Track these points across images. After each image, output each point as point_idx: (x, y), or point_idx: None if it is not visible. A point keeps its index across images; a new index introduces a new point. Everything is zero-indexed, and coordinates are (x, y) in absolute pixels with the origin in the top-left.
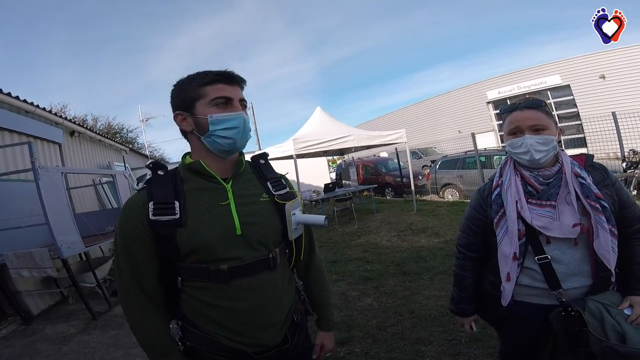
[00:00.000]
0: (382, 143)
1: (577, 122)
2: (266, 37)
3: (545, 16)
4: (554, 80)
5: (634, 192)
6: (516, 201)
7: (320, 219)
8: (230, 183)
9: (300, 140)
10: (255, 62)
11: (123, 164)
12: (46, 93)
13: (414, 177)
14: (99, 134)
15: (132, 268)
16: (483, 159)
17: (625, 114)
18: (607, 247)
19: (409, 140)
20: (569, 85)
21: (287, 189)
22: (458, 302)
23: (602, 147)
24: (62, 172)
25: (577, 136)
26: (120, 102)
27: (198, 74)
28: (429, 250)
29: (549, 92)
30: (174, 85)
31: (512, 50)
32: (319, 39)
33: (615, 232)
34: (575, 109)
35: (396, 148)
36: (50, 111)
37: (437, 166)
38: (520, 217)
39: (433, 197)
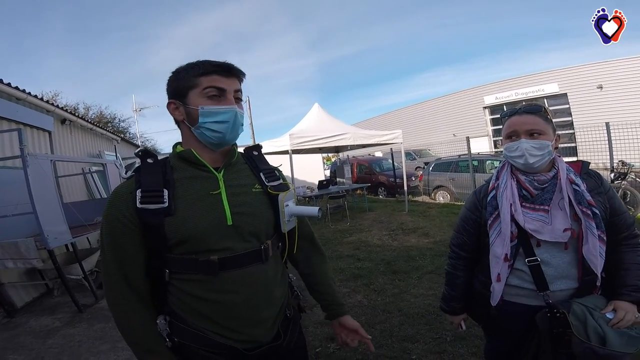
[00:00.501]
0: (378, 142)
1: (570, 131)
2: (268, 31)
3: (548, 24)
4: (552, 88)
5: None
6: (510, 204)
7: (313, 210)
8: (222, 172)
9: (297, 135)
10: (256, 55)
11: (114, 154)
12: (38, 80)
13: (407, 178)
14: (90, 122)
15: (118, 259)
16: (476, 163)
17: (618, 125)
18: (596, 252)
19: (404, 141)
20: (566, 93)
21: (281, 181)
22: (449, 300)
23: (593, 157)
24: (51, 160)
25: (568, 145)
26: (113, 91)
27: (196, 63)
28: (419, 250)
29: (545, 100)
30: (172, 73)
31: (514, 56)
32: (321, 36)
33: (604, 238)
34: (569, 118)
35: (391, 148)
36: (41, 99)
37: (431, 168)
38: (513, 219)
39: (425, 199)
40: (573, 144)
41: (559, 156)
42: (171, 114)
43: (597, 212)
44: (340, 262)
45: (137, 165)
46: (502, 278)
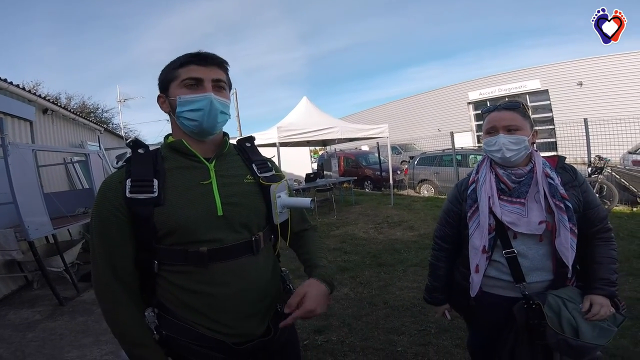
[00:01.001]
0: (365, 136)
1: (550, 127)
2: (259, 23)
3: (533, 22)
4: (534, 85)
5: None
6: (489, 197)
7: (305, 201)
8: (213, 163)
9: (285, 128)
10: (245, 47)
11: (97, 144)
12: (18, 69)
13: (392, 172)
14: (72, 112)
15: (107, 250)
16: (459, 157)
17: (596, 122)
18: (567, 244)
19: (390, 136)
20: (547, 90)
21: (273, 172)
22: (432, 291)
23: (571, 151)
24: (33, 150)
25: (548, 140)
26: (97, 82)
27: (178, 57)
28: (404, 243)
29: (527, 96)
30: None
31: (498, 52)
32: (311, 30)
33: (576, 231)
34: (550, 114)
35: (377, 142)
36: (23, 88)
37: (416, 162)
38: (491, 212)
39: (410, 192)
40: (553, 139)
41: (536, 151)
42: (160, 107)
43: (570, 205)
44: (327, 255)
45: (128, 155)
46: (480, 269)
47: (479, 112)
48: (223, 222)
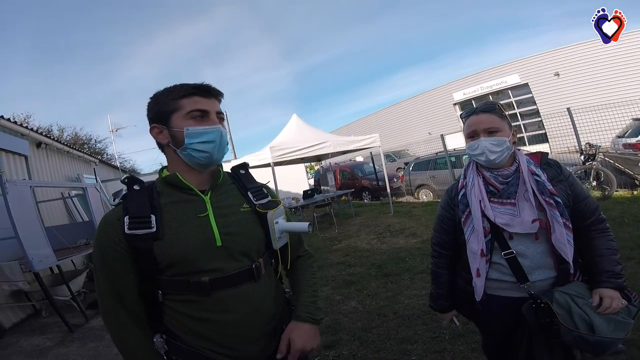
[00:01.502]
0: (357, 148)
1: (537, 119)
2: (240, 45)
3: (505, 15)
4: (514, 80)
5: (594, 183)
6: (479, 201)
7: (303, 226)
8: (208, 194)
9: (278, 148)
10: (229, 69)
11: (93, 176)
12: (7, 101)
13: (389, 180)
14: (66, 144)
15: (111, 283)
16: (453, 159)
17: (579, 110)
18: (564, 240)
19: (383, 144)
20: (527, 83)
21: (269, 198)
22: (436, 298)
23: (562, 142)
24: (30, 186)
25: (538, 132)
26: (87, 111)
27: (175, 86)
28: (408, 251)
29: (510, 91)
30: (151, 98)
31: (477, 50)
32: (292, 46)
33: (570, 225)
34: (535, 107)
35: (371, 152)
36: (15, 122)
37: (411, 168)
38: (484, 215)
39: (408, 199)
40: (542, 131)
41: (519, 150)
42: (155, 138)
43: (560, 200)
44: (331, 270)
45: (124, 192)
46: (481, 273)
47: (460, 116)
48: (223, 252)
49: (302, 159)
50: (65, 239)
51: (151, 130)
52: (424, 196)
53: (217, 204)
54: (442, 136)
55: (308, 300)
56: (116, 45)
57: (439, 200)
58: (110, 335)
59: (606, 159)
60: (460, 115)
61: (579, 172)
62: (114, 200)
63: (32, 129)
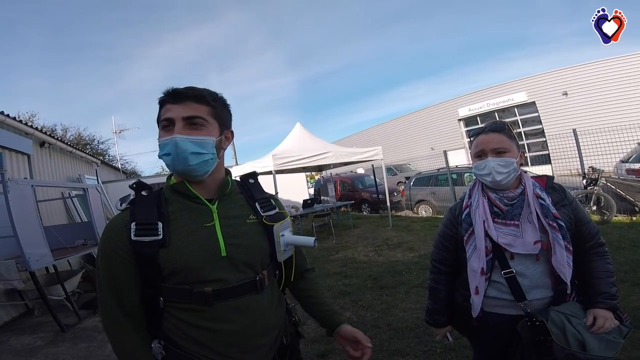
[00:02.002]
0: (360, 160)
1: (542, 139)
2: (246, 51)
3: (514, 32)
4: (520, 97)
5: (594, 208)
6: (483, 221)
7: (309, 240)
8: (215, 204)
9: (280, 156)
10: (235, 75)
11: (95, 177)
12: (13, 100)
13: (389, 194)
14: (69, 145)
15: (113, 288)
16: (454, 176)
17: (585, 132)
18: (564, 261)
19: (384, 157)
20: (534, 102)
21: (277, 210)
22: (432, 313)
23: (565, 164)
24: (32, 185)
25: (541, 153)
26: (91, 112)
27: None
28: (405, 265)
29: (516, 109)
30: None
31: (482, 66)
32: (299, 55)
33: (570, 248)
34: (540, 126)
35: (372, 165)
36: (20, 121)
37: (412, 183)
38: (487, 235)
39: (408, 213)
40: (546, 152)
41: (525, 172)
42: None
43: (563, 224)
44: (327, 280)
45: (131, 197)
46: (480, 291)
47: (471, 128)
48: (227, 263)
49: (303, 168)
50: (63, 239)
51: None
52: (423, 211)
53: (223, 214)
54: (444, 152)
55: (334, 306)
56: (123, 47)
57: (439, 216)
58: (109, 340)
59: (608, 184)
60: (469, 133)
61: (580, 196)
62: (120, 204)
63: (36, 128)
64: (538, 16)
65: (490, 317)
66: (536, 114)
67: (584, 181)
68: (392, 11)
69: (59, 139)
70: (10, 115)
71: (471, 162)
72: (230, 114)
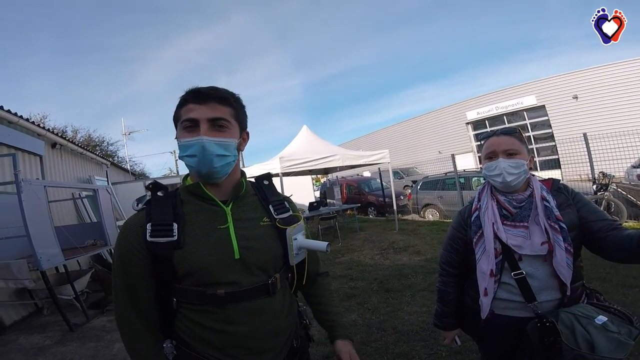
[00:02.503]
0: (366, 163)
1: (551, 144)
2: (253, 53)
3: (522, 36)
4: (530, 101)
5: None
6: (493, 223)
7: (322, 245)
8: (230, 206)
9: (287, 158)
10: (242, 77)
11: (105, 178)
12: (25, 102)
13: (395, 197)
14: (80, 146)
15: (128, 288)
16: (462, 180)
17: (596, 136)
18: (564, 263)
19: (391, 160)
20: (544, 105)
21: (290, 212)
22: (441, 316)
23: (575, 168)
24: (44, 186)
25: (551, 157)
26: (101, 113)
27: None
28: (411, 268)
29: (525, 113)
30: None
31: (492, 69)
32: (306, 57)
33: (571, 250)
34: (550, 130)
35: (379, 168)
36: (32, 122)
37: (419, 187)
38: (496, 237)
39: (414, 217)
40: (555, 156)
41: (533, 175)
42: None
43: (564, 226)
44: (333, 282)
45: (147, 198)
46: (489, 292)
47: (479, 131)
48: (240, 266)
49: (310, 170)
50: (74, 239)
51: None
52: (430, 215)
53: (237, 216)
54: (452, 156)
55: (344, 320)
56: (132, 50)
57: (446, 220)
58: (122, 340)
59: (619, 189)
60: (480, 137)
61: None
62: (137, 205)
63: (48, 130)
64: (548, 19)
65: (499, 319)
66: (546, 118)
67: (594, 186)
68: (399, 13)
69: (70, 140)
70: (24, 117)
71: (479, 166)
72: (247, 115)
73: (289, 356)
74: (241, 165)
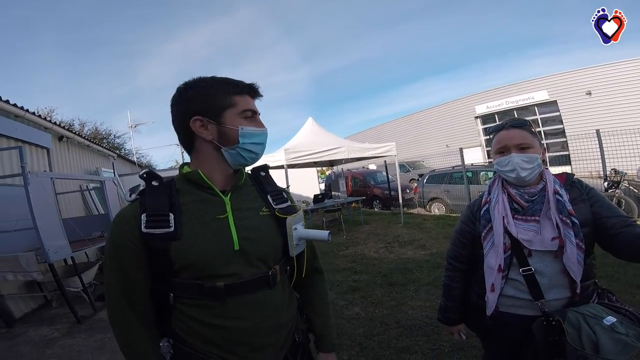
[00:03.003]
0: (372, 155)
1: (562, 139)
2: (259, 45)
3: (534, 31)
4: (542, 96)
5: None
6: (503, 217)
7: (323, 234)
8: (229, 196)
9: (292, 150)
10: (248, 69)
11: (111, 170)
12: (32, 96)
13: (401, 190)
14: (87, 139)
15: (122, 283)
16: (470, 174)
17: (609, 133)
18: (574, 259)
19: (397, 154)
20: (555, 101)
21: (289, 203)
22: (445, 311)
23: (585, 165)
24: (51, 178)
25: (561, 153)
26: (107, 107)
27: (226, 80)
28: (415, 262)
29: (536, 108)
30: (190, 88)
31: (502, 64)
32: (312, 49)
33: (583, 246)
34: (561, 126)
35: (385, 161)
36: (39, 116)
37: (425, 180)
38: (506, 231)
39: (420, 211)
40: (566, 152)
41: (546, 168)
42: (196, 131)
43: (576, 221)
44: (337, 275)
45: (141, 187)
46: (496, 288)
47: (488, 125)
48: (240, 257)
49: (315, 163)
50: (81, 231)
51: (193, 123)
52: (436, 209)
53: (236, 206)
54: (460, 150)
55: (329, 331)
56: (138, 43)
57: (452, 214)
58: (115, 337)
59: (630, 187)
60: (489, 130)
61: None
62: (130, 195)
63: (55, 123)
64: (561, 14)
65: (505, 317)
66: (557, 114)
67: (605, 183)
68: (408, 6)
69: (77, 133)
70: (30, 110)
71: (488, 160)
72: None
73: (291, 351)
74: None
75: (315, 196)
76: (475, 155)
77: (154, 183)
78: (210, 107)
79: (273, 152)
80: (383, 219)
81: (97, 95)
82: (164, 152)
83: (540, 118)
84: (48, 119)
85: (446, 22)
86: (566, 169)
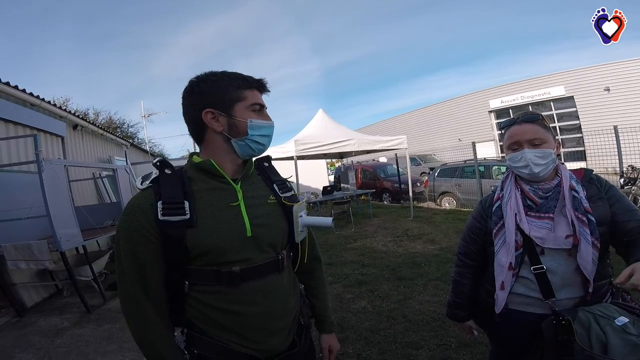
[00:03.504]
0: (383, 148)
1: (578, 135)
2: (272, 37)
3: (552, 26)
4: (558, 91)
5: None
6: (515, 214)
7: (327, 221)
8: (239, 184)
9: (302, 142)
10: (260, 61)
11: (124, 159)
12: (49, 86)
13: (412, 184)
14: (100, 128)
15: (138, 272)
16: (482, 168)
17: (627, 129)
18: (588, 258)
19: (409, 146)
20: (572, 96)
21: (293, 192)
22: (453, 307)
23: (601, 161)
24: (65, 165)
25: (577, 149)
26: (121, 97)
27: (236, 75)
28: (424, 257)
29: (552, 103)
30: (202, 81)
31: (518, 58)
32: (324, 41)
33: (598, 245)
34: (577, 121)
35: (396, 154)
36: (54, 104)
37: (436, 174)
38: (518, 228)
39: (430, 205)
40: (582, 148)
41: (562, 163)
42: (207, 123)
43: (593, 219)
44: (344, 268)
45: (154, 175)
46: (506, 286)
47: (502, 120)
48: (252, 243)
49: (324, 154)
50: (93, 219)
51: (204, 115)
52: (447, 204)
53: (247, 194)
54: (473, 144)
55: (329, 313)
56: (152, 35)
57: (463, 209)
58: (130, 329)
59: None
60: (500, 125)
61: None
62: (141, 183)
63: (70, 112)
64: (580, 9)
65: (514, 314)
66: (574, 109)
67: (621, 180)
68: None
69: (91, 122)
70: (46, 100)
71: (500, 155)
72: None
73: (297, 334)
74: None
75: (324, 188)
76: (488, 150)
77: (167, 171)
78: (222, 100)
79: (283, 143)
80: (392, 212)
81: (112, 86)
82: (176, 141)
83: (556, 113)
84: (63, 107)
85: (462, 16)
86: (581, 164)
